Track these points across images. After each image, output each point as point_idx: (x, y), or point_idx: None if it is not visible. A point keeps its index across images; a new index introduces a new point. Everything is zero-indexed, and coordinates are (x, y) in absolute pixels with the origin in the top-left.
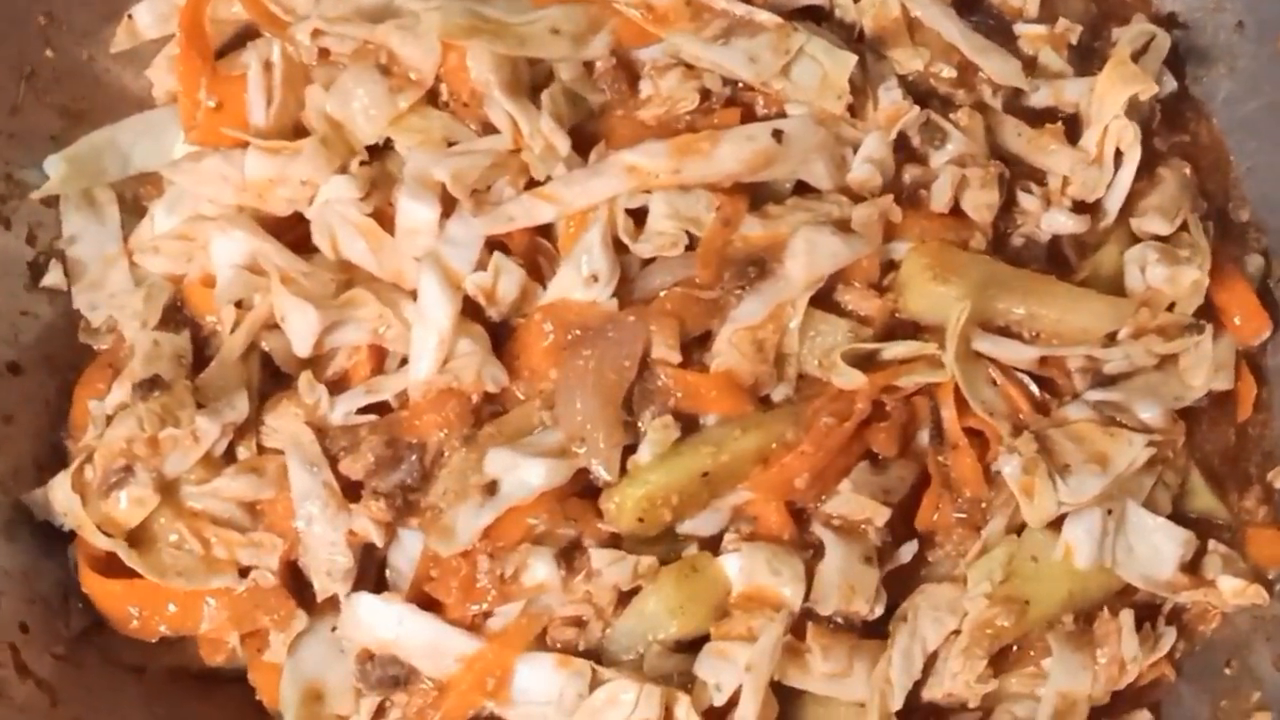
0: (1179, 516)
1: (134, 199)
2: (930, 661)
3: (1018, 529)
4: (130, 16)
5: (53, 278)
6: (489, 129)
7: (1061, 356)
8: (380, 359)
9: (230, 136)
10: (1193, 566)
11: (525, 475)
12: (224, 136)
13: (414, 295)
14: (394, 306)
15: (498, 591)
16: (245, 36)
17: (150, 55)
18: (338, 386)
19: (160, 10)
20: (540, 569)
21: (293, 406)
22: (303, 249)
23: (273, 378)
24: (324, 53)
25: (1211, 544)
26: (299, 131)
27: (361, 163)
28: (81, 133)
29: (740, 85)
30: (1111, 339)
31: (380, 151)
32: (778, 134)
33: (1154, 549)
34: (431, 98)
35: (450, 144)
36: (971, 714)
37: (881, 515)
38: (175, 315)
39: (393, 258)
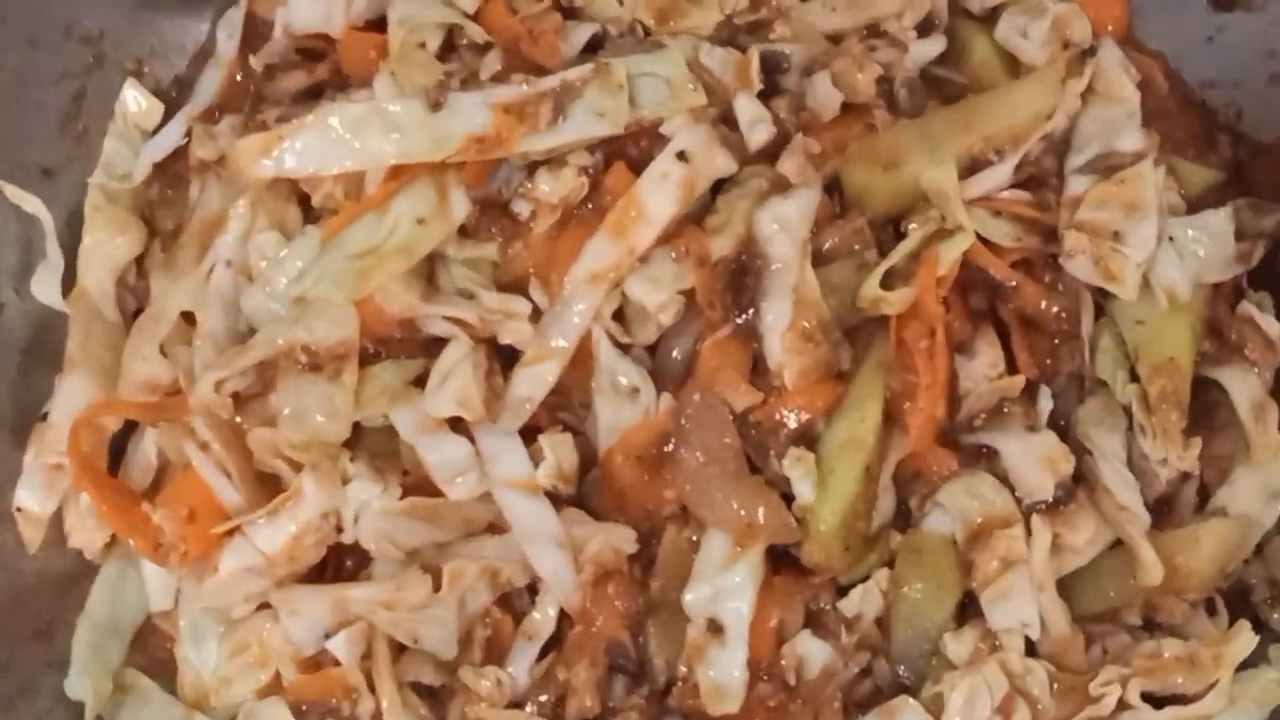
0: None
1: (151, 653)
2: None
3: (1102, 313)
4: (19, 509)
5: None
6: (430, 344)
7: (1026, 152)
8: (509, 601)
9: (219, 533)
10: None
11: (732, 594)
12: (214, 538)
13: (493, 528)
14: (487, 549)
15: (799, 703)
16: (123, 436)
17: (56, 526)
18: (495, 655)
19: (37, 482)
20: (814, 653)
21: (473, 704)
22: (345, 574)
23: (427, 692)
24: (236, 396)
25: (1230, 205)
26: (268, 479)
27: (351, 459)
28: (65, 639)
29: (604, 140)
30: None
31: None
32: (681, 155)
33: (1215, 236)
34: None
35: (413, 382)
36: (1194, 481)
37: (1016, 385)
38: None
39: (453, 513)
